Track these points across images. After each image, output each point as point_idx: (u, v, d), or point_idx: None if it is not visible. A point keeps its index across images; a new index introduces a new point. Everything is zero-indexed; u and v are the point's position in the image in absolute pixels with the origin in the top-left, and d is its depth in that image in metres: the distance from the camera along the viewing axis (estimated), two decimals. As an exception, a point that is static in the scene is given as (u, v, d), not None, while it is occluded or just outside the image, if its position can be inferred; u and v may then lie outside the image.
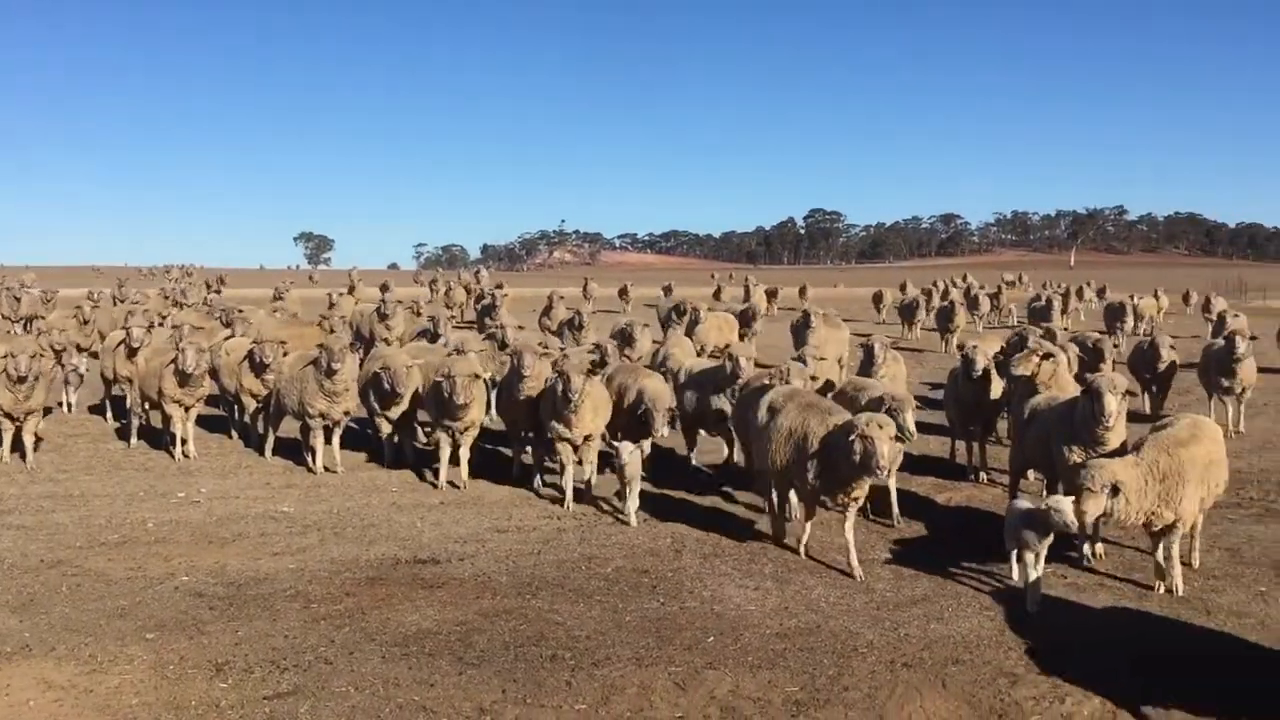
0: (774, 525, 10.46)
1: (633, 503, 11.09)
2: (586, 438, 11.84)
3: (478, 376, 12.56)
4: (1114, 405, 9.53)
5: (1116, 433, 9.72)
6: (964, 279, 52.60)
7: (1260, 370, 17.69)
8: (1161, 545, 8.67)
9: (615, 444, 11.19)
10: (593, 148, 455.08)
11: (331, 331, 21.23)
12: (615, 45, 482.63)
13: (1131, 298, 33.30)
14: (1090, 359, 15.48)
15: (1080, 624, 8.21)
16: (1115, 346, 17.66)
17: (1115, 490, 8.03)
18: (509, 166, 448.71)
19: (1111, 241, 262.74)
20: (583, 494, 11.88)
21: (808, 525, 9.92)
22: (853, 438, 8.69)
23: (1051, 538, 8.38)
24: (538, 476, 12.68)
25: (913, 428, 10.18)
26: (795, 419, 9.63)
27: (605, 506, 11.56)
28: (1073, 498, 8.17)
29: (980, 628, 8.06)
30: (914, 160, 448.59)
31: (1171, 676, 7.12)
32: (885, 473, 8.81)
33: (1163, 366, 16.97)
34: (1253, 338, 16.77)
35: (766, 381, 11.34)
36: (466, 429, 12.57)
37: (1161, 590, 8.73)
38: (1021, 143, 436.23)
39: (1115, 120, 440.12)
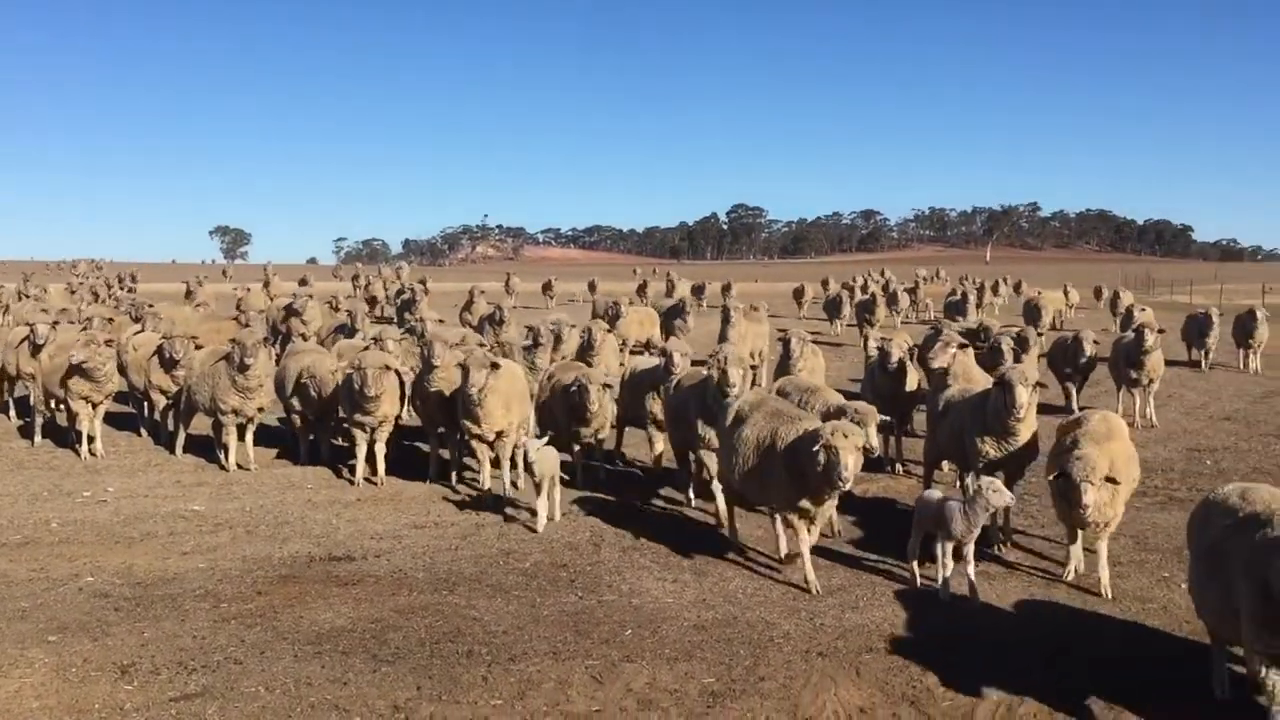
0: (730, 535, 9.97)
1: (544, 506, 10.57)
2: (500, 434, 11.74)
3: (388, 368, 12.39)
4: (1024, 397, 9.73)
5: (1027, 424, 9.94)
6: (882, 274, 53.36)
7: (1167, 363, 18.20)
8: (1101, 545, 8.68)
9: (524, 441, 10.91)
10: (517, 142, 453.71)
11: (248, 326, 20.87)
12: (539, 39, 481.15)
13: (1038, 293, 34.07)
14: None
15: (990, 612, 8.35)
16: (1039, 335, 17.98)
17: (1111, 480, 8.13)
18: (431, 160, 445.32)
19: (1026, 237, 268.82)
20: (498, 494, 11.69)
21: (782, 533, 9.47)
22: (817, 447, 8.18)
23: (971, 527, 8.47)
24: (455, 473, 12.58)
25: (875, 441, 9.71)
26: (763, 429, 9.09)
27: (523, 503, 11.48)
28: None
29: (894, 616, 8.17)
30: (835, 157, 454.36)
31: (1080, 663, 7.30)
32: (848, 484, 8.27)
33: (1084, 361, 17.42)
34: (1160, 331, 17.21)
35: (705, 373, 11.08)
36: (381, 423, 12.41)
37: (1070, 576, 8.89)
38: (939, 140, 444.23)
39: (1029, 118, 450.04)
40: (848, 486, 8.31)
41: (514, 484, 11.97)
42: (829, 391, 11.76)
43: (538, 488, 10.55)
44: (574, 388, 12.00)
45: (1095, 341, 17.53)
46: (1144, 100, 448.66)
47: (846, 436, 8.12)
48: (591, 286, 51.08)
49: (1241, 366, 23.81)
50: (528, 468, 10.54)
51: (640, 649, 7.57)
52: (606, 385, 12.22)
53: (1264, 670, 5.52)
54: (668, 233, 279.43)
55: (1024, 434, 9.95)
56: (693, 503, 11.54)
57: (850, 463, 8.05)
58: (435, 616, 8.20)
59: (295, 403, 13.68)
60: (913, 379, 14.01)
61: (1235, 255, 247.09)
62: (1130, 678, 7.01)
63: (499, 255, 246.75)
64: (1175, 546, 9.38)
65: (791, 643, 7.67)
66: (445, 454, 12.85)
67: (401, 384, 12.89)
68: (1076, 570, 8.95)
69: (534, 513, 10.65)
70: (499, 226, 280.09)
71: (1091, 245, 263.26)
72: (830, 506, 8.98)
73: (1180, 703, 6.60)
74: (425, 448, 13.76)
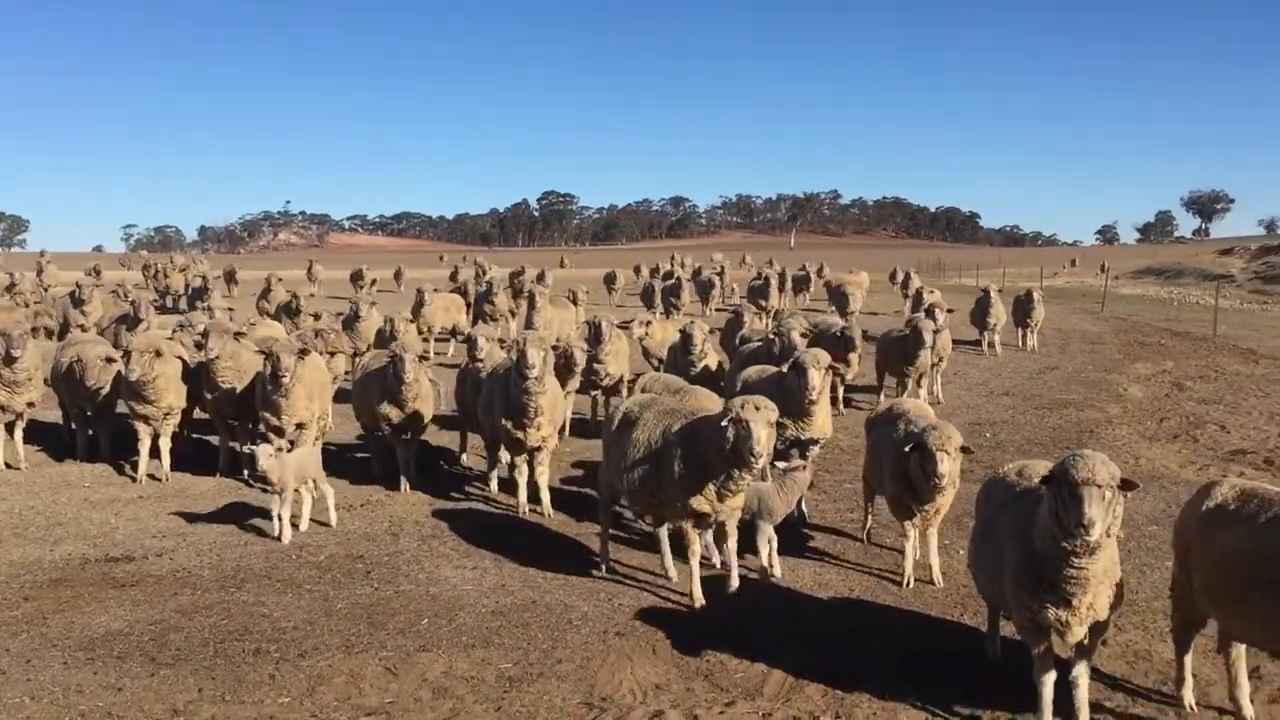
0: (602, 554, 9.05)
1: (287, 512, 9.65)
2: (299, 426, 11.35)
3: (111, 360, 11.76)
4: (818, 380, 9.99)
5: (821, 406, 10.22)
6: (682, 263, 53.75)
7: (955, 342, 19.07)
8: (931, 533, 8.71)
9: (251, 447, 9.84)
10: (321, 127, 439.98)
11: (38, 315, 19.60)
12: (345, 20, 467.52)
13: (819, 271, 35.12)
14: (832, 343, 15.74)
15: (784, 592, 8.53)
16: (936, 331, 17.34)
17: (966, 450, 8.09)
18: (230, 144, 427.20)
19: (828, 224, 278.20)
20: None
21: (697, 550, 8.22)
22: (726, 421, 7.53)
23: (786, 507, 8.55)
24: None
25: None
26: (654, 428, 8.26)
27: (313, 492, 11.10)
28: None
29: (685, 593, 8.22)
30: (644, 144, 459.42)
31: (867, 637, 7.58)
32: (760, 461, 7.55)
33: (923, 355, 16.34)
34: (950, 310, 18.00)
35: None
36: (166, 416, 11.81)
37: (910, 583, 8.60)
38: (746, 130, 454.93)
39: (831, 110, 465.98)
40: (761, 463, 7.59)
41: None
42: (702, 391, 11.44)
43: (279, 496, 9.58)
44: (389, 362, 11.56)
45: (935, 331, 16.55)
46: (936, 95, 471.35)
47: (758, 409, 7.49)
48: (396, 275, 50.04)
49: (1021, 345, 25.23)
50: (260, 476, 9.49)
51: (437, 638, 7.44)
52: (423, 357, 11.86)
53: (1039, 651, 5.85)
54: (478, 219, 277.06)
55: (818, 416, 10.22)
56: (495, 492, 11.42)
57: (763, 436, 7.40)
58: (221, 615, 7.86)
59: (65, 395, 12.83)
60: (714, 361, 14.29)
61: (1018, 241, 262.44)
62: (912, 650, 7.30)
63: (303, 243, 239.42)
64: (953, 515, 9.77)
65: (590, 624, 7.69)
66: (236, 446, 12.32)
67: (192, 374, 12.26)
68: (909, 575, 8.60)
69: (280, 517, 9.70)
70: (302, 213, 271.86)
71: (888, 231, 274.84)
72: (734, 506, 8.07)
73: (958, 670, 6.90)
74: (214, 440, 13.19)
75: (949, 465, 7.80)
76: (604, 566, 8.90)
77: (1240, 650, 6.19)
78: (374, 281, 43.17)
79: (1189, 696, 6.32)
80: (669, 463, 7.95)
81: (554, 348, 12.70)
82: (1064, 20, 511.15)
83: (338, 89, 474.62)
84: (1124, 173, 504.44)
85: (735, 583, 8.25)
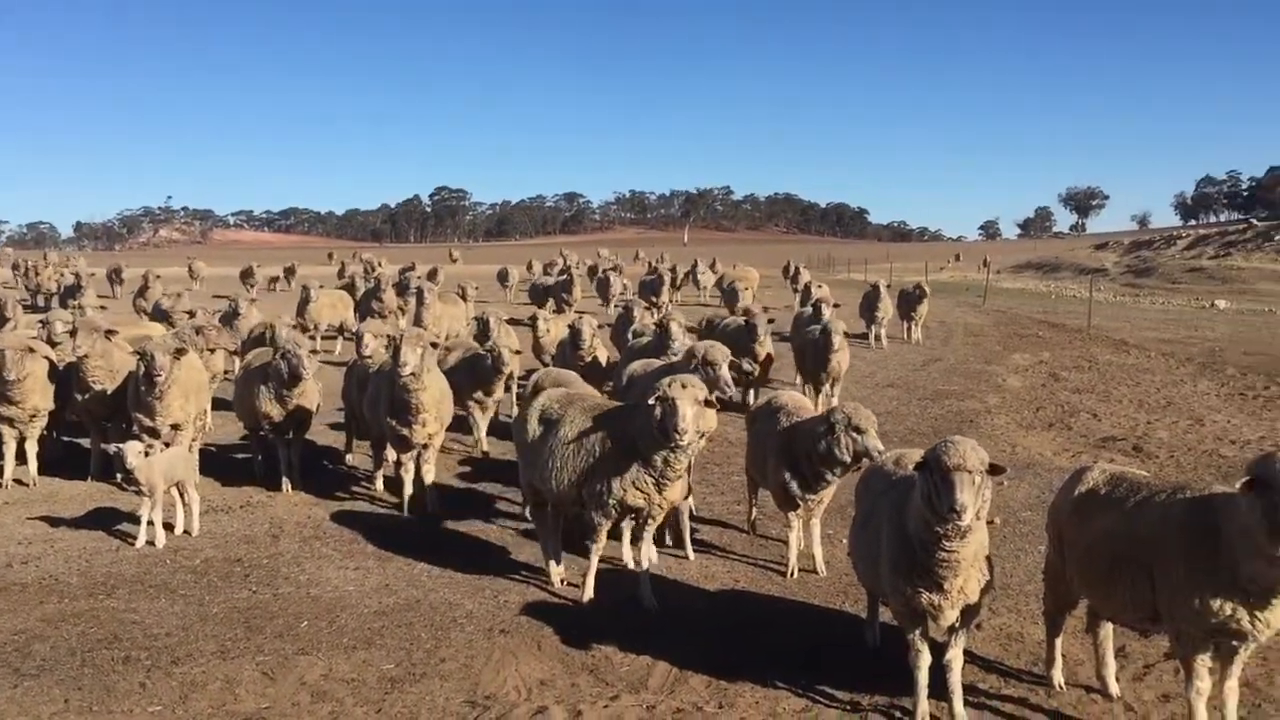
0: (546, 554, 8.69)
1: (150, 519, 9.32)
2: (175, 427, 11.00)
3: (32, 350, 11.28)
4: (689, 411, 9.85)
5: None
6: (578, 264, 53.56)
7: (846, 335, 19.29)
8: (814, 522, 8.84)
9: (119, 446, 9.28)
10: (203, 121, 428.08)
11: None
12: (236, 7, 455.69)
13: (712, 266, 35.39)
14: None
15: (669, 585, 8.54)
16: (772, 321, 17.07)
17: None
18: (107, 136, 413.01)
19: (720, 219, 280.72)
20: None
21: (599, 546, 8.10)
22: (653, 399, 7.40)
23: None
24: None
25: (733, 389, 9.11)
26: (582, 422, 8.07)
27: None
28: None
29: (578, 592, 8.17)
30: (538, 141, 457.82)
31: (751, 629, 7.65)
32: (686, 438, 7.35)
33: (833, 356, 15.47)
34: (835, 305, 18.30)
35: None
36: (32, 418, 11.31)
37: (795, 573, 8.68)
38: (638, 126, 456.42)
39: (722, 109, 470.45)
40: (685, 440, 7.35)
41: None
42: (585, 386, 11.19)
43: (150, 498, 9.25)
44: (279, 359, 11.17)
45: (845, 333, 15.57)
46: (826, 93, 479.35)
47: (685, 387, 7.39)
48: (289, 272, 48.91)
49: (906, 338, 25.79)
50: (128, 477, 9.11)
51: (317, 640, 7.28)
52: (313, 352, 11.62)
53: (914, 636, 5.96)
54: (369, 215, 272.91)
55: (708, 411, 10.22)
56: (381, 490, 11.25)
57: (689, 414, 7.27)
58: (90, 623, 7.57)
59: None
60: (603, 355, 14.30)
61: (905, 236, 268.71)
62: (795, 639, 7.40)
63: (185, 239, 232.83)
64: (835, 505, 9.90)
65: (475, 622, 7.61)
66: (109, 449, 11.84)
67: (59, 374, 11.76)
68: (794, 565, 8.70)
69: (151, 523, 9.36)
70: (184, 209, 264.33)
71: (780, 227, 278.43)
72: (671, 498, 7.91)
73: (839, 658, 7.00)
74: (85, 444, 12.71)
75: (873, 440, 7.89)
76: (554, 580, 8.44)
77: (1108, 630, 6.43)
78: (277, 280, 42.07)
79: (1058, 676, 6.52)
80: (604, 454, 7.80)
81: (486, 349, 12.61)
82: (947, 20, 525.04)
83: (221, 80, 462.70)
84: (1006, 170, 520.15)
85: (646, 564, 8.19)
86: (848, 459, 8.00)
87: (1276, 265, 50.67)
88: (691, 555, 9.10)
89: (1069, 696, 6.39)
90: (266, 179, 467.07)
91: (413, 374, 9.93)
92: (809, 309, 18.76)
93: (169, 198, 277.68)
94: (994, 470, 5.50)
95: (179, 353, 10.98)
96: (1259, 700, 6.25)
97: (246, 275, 41.31)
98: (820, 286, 28.09)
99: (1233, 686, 5.53)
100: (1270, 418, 15.33)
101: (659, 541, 8.97)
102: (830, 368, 15.50)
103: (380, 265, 46.71)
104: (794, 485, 8.39)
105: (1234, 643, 5.33)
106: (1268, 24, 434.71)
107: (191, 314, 18.16)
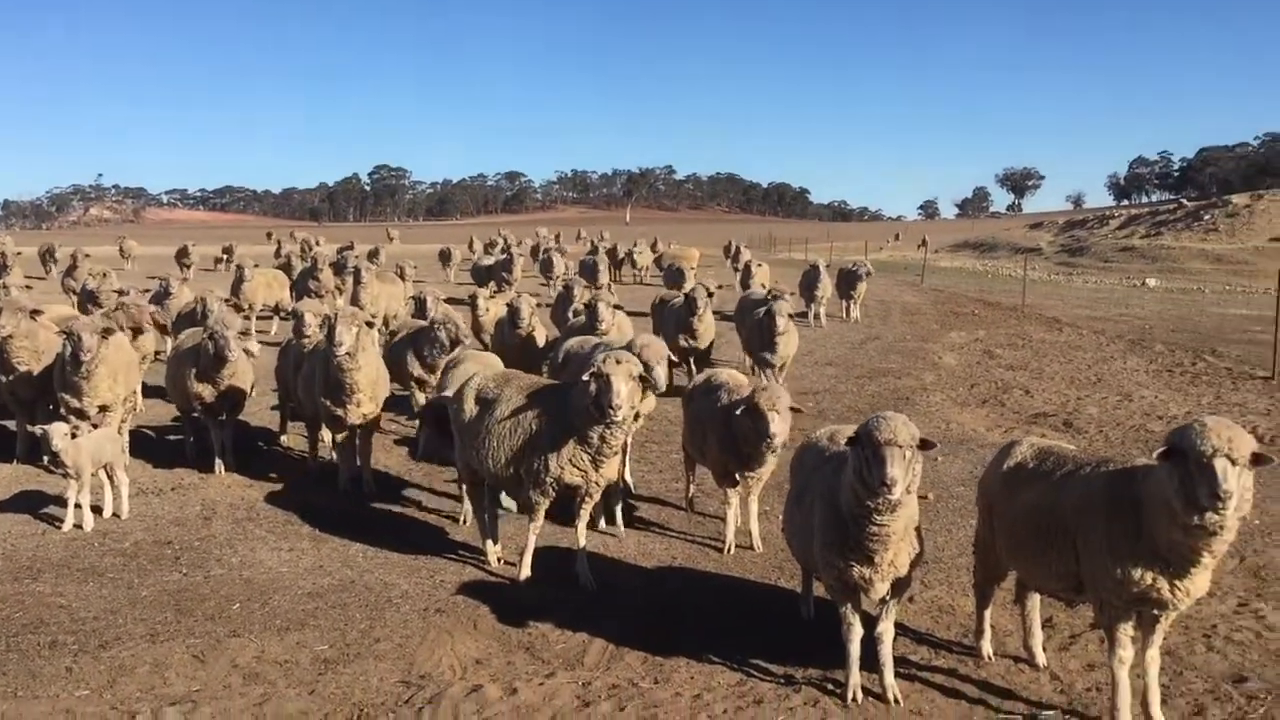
0: (483, 534, 8.65)
1: (77, 501, 9.12)
2: (103, 408, 10.77)
3: None
4: (623, 389, 9.83)
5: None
6: (505, 238, 52.98)
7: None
8: (752, 500, 8.90)
9: (44, 427, 9.10)
10: (135, 92, 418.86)
11: None
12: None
13: (653, 245, 35.35)
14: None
15: (606, 562, 8.56)
16: (711, 295, 16.98)
17: (795, 409, 8.25)
18: (34, 111, 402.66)
19: (663, 199, 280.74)
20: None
21: (538, 525, 8.09)
22: (588, 375, 7.45)
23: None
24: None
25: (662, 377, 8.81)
26: (519, 401, 8.02)
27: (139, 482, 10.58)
28: None
29: (515, 572, 8.13)
30: (479, 119, 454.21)
31: (687, 606, 7.69)
32: (620, 413, 7.35)
33: (779, 339, 15.09)
34: (791, 294, 18.36)
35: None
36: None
37: (731, 550, 8.74)
38: (580, 104, 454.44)
39: (664, 85, 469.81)
40: (619, 416, 7.35)
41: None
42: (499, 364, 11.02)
43: (76, 481, 9.05)
44: (206, 339, 10.97)
45: (790, 316, 15.22)
46: (767, 72, 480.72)
47: (619, 363, 7.40)
48: (227, 251, 47.91)
49: (845, 316, 26.01)
50: (54, 459, 8.94)
51: (249, 622, 7.20)
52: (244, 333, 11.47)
53: (846, 609, 6.03)
54: (307, 194, 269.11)
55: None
56: (314, 472, 11.13)
57: (624, 390, 7.28)
58: (14, 608, 7.42)
59: None
60: (541, 335, 14.25)
61: (845, 216, 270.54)
62: (732, 614, 7.46)
63: (117, 218, 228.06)
64: (773, 482, 9.97)
65: (410, 601, 7.57)
66: (36, 431, 11.58)
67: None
68: (731, 542, 8.76)
69: (79, 506, 9.16)
70: (115, 186, 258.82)
71: (722, 206, 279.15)
72: (606, 476, 7.95)
73: (775, 632, 7.06)
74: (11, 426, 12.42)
75: (780, 424, 7.95)
76: (491, 559, 8.40)
77: (1035, 601, 6.54)
78: (220, 260, 41.17)
79: (987, 647, 6.63)
80: (540, 431, 7.78)
81: (433, 321, 12.51)
82: (888, 2, 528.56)
83: (154, 54, 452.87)
84: (944, 151, 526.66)
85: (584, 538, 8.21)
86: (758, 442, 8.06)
87: (1205, 245, 51.84)
88: (623, 531, 9.13)
89: (997, 667, 6.50)
90: (201, 156, 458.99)
91: (348, 353, 9.81)
92: (758, 289, 18.78)
93: (100, 175, 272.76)
94: (924, 445, 5.56)
95: (106, 332, 10.74)
96: (1180, 668, 6.40)
97: (182, 255, 40.21)
98: (760, 265, 28.24)
99: (1154, 655, 5.65)
100: (1196, 393, 15.69)
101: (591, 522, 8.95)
102: (780, 351, 15.11)
103: (317, 244, 46.08)
104: (733, 463, 8.44)
105: (1155, 612, 5.45)
106: (1201, 8, 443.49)
107: (121, 293, 17.76)
